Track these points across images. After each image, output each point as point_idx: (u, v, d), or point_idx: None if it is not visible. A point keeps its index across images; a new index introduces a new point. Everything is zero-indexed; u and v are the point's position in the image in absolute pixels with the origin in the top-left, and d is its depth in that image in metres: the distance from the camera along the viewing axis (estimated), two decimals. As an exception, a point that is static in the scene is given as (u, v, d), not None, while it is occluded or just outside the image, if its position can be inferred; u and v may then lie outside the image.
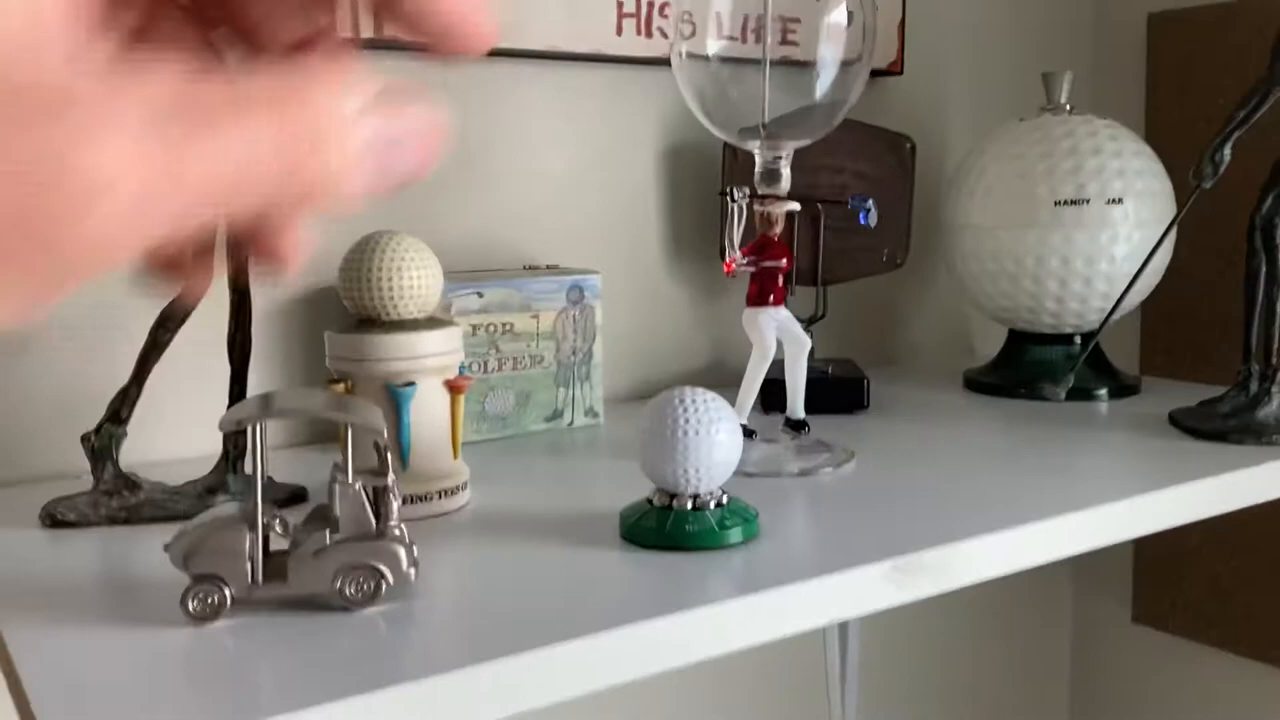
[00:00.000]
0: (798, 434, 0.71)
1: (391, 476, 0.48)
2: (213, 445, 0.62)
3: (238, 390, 0.62)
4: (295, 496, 0.63)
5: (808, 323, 0.82)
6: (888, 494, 0.64)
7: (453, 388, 0.60)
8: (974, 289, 0.93)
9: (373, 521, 0.47)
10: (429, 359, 0.59)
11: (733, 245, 0.68)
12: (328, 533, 0.46)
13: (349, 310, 0.61)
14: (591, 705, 0.98)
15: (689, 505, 0.54)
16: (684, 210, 0.94)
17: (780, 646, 1.09)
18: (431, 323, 0.61)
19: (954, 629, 1.18)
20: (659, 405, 0.55)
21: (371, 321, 0.60)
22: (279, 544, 0.47)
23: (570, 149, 0.89)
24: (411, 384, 0.58)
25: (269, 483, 0.60)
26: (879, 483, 0.66)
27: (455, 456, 0.61)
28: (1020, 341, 0.94)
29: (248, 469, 0.62)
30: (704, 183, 0.94)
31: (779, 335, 0.70)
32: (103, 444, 0.60)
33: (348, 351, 0.59)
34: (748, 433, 0.70)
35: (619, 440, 0.78)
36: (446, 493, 0.60)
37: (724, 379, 0.95)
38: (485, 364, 0.76)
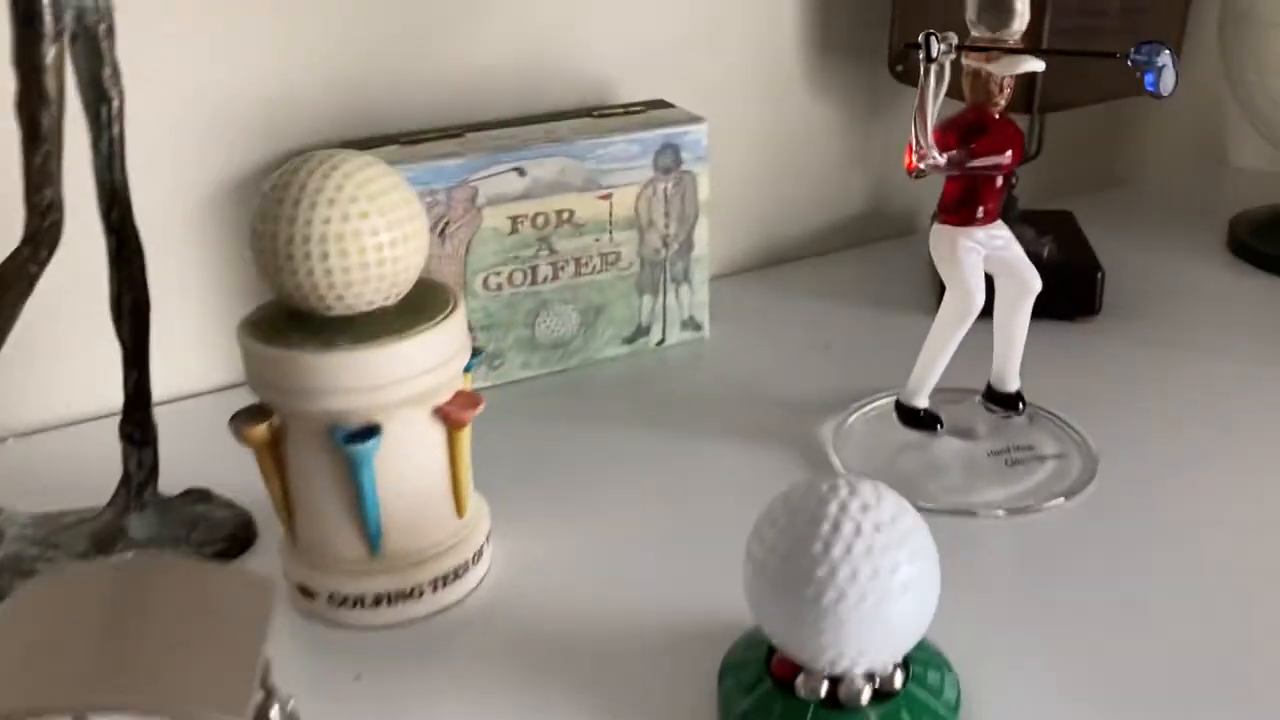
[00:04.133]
0: (1008, 415, 0.46)
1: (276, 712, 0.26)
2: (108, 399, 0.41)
3: (136, 373, 0.40)
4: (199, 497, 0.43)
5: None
6: (1172, 565, 0.39)
7: (451, 421, 0.36)
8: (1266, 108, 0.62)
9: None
10: (407, 382, 0.35)
11: (924, 131, 0.40)
12: None
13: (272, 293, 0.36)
14: None
15: (823, 690, 0.31)
16: (837, -15, 0.64)
17: None
18: (410, 314, 0.36)
19: None
20: (790, 529, 0.30)
21: (307, 317, 0.35)
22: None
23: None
24: (375, 428, 0.35)
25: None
26: (1145, 529, 0.41)
27: (460, 515, 0.38)
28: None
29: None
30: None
31: (990, 269, 0.43)
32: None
33: (270, 373, 0.35)
34: (930, 422, 0.45)
35: (730, 363, 0.54)
36: (443, 581, 0.37)
37: (885, 230, 0.69)
38: (534, 272, 0.51)
